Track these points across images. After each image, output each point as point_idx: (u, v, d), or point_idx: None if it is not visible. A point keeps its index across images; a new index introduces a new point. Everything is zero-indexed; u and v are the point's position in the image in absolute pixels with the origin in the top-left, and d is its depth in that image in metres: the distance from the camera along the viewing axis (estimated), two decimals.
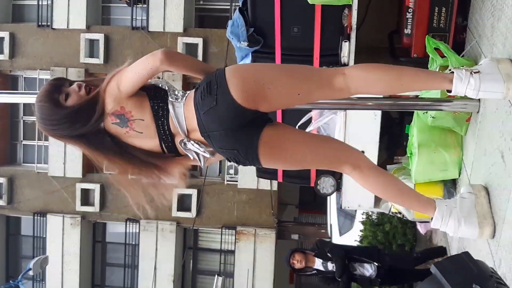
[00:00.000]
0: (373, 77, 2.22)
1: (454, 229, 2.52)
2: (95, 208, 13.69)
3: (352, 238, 9.73)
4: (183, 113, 2.28)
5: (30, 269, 9.11)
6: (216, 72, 2.26)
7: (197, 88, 2.29)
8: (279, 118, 4.69)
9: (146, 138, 2.32)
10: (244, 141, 2.23)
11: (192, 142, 2.29)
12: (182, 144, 2.31)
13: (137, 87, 2.30)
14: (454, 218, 2.51)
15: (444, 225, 2.51)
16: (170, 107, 2.29)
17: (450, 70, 2.34)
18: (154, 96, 2.32)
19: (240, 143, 2.23)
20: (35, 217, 14.07)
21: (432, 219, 2.55)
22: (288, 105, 2.43)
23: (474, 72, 2.25)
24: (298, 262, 4.61)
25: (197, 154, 2.31)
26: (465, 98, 3.39)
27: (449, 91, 2.28)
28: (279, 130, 2.32)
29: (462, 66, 2.36)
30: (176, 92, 2.33)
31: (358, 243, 9.42)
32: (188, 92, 2.36)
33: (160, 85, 2.38)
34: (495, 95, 2.29)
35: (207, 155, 2.31)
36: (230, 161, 2.35)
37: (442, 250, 5.10)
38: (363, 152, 4.48)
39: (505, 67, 2.33)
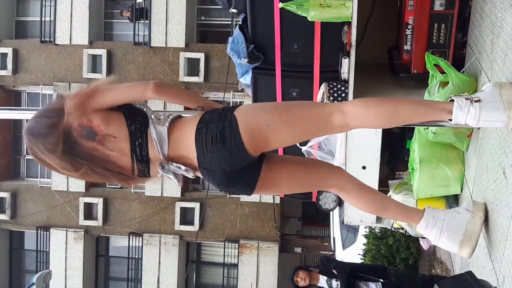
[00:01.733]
0: (371, 114, 2.24)
1: (434, 238, 2.56)
2: (98, 222, 13.69)
3: (355, 251, 9.68)
4: (167, 136, 2.26)
5: (33, 283, 9.10)
6: (228, 119, 2.23)
7: (201, 127, 2.25)
8: None
9: (117, 156, 2.25)
10: (245, 181, 2.34)
11: (172, 164, 2.26)
12: (160, 167, 2.27)
13: (110, 105, 2.29)
14: (437, 228, 2.55)
15: (427, 232, 2.57)
16: (151, 129, 2.26)
17: (450, 98, 2.28)
18: (130, 115, 2.29)
19: (240, 182, 2.34)
20: (39, 232, 14.07)
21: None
22: (288, 145, 2.53)
23: (475, 101, 2.22)
24: (302, 280, 4.55)
25: (175, 174, 2.29)
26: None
27: (451, 120, 2.27)
28: (272, 167, 2.39)
29: (463, 93, 2.30)
30: (158, 115, 2.32)
31: (362, 257, 9.38)
32: (171, 114, 2.34)
33: (137, 106, 2.35)
34: (496, 124, 2.25)
35: (189, 175, 2.28)
36: (220, 190, 2.43)
37: None
38: (364, 167, 4.51)
39: (508, 93, 2.28)
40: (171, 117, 2.32)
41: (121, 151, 2.24)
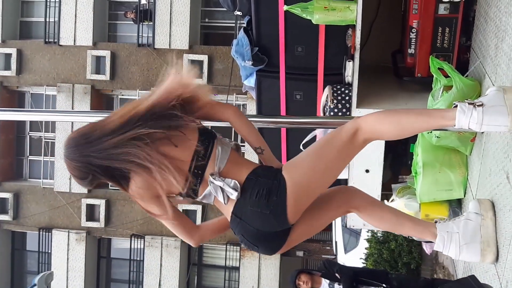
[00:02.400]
0: (385, 128, 2.30)
1: (455, 255, 2.55)
2: (100, 224, 13.70)
3: (357, 255, 9.67)
4: (228, 156, 2.27)
5: (35, 284, 9.07)
6: (277, 179, 2.23)
7: (251, 178, 2.25)
8: (283, 136, 4.69)
9: (180, 151, 2.21)
10: (270, 246, 2.35)
11: (222, 178, 2.23)
12: (211, 177, 2.24)
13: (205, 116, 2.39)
14: (455, 244, 2.53)
15: (446, 250, 2.55)
16: (217, 143, 2.28)
17: (454, 105, 2.28)
18: (201, 127, 2.32)
19: (265, 246, 2.34)
20: (41, 233, 14.09)
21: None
22: None
23: (478, 105, 2.22)
24: (304, 283, 4.55)
25: (222, 190, 2.25)
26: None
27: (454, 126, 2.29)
28: (294, 237, 2.38)
29: (466, 100, 2.28)
30: (222, 138, 2.35)
31: (363, 261, 9.36)
32: (233, 142, 2.37)
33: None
34: (499, 128, 2.25)
35: (233, 196, 2.24)
36: (240, 242, 2.42)
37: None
38: (367, 171, 4.49)
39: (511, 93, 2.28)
40: (232, 144, 2.35)
41: (185, 148, 2.22)
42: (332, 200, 2.49)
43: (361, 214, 2.53)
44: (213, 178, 2.23)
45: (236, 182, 2.22)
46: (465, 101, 2.27)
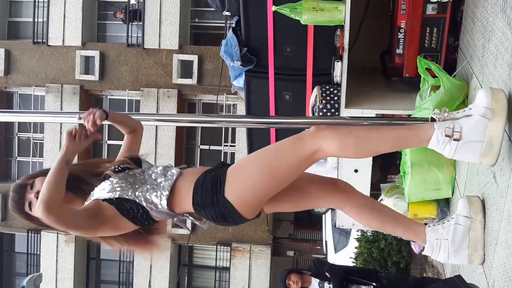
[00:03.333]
0: (351, 151, 2.23)
1: (444, 260, 2.58)
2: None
3: (347, 255, 9.70)
4: (169, 211, 2.29)
5: (23, 286, 9.02)
6: (222, 205, 2.24)
7: (198, 208, 2.28)
8: (272, 136, 4.70)
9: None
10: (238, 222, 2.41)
11: (186, 215, 2.35)
12: (175, 220, 2.38)
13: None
14: (444, 251, 2.56)
15: (435, 255, 2.58)
16: (152, 214, 2.30)
17: (431, 117, 2.27)
18: (124, 211, 2.28)
19: (234, 223, 2.41)
20: (29, 234, 13.99)
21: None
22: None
23: (454, 139, 2.18)
24: (294, 283, 4.55)
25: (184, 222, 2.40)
26: None
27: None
28: (276, 206, 2.47)
29: (446, 114, 2.24)
30: (148, 200, 2.29)
31: (353, 260, 9.39)
32: (162, 193, 2.30)
33: (126, 197, 2.29)
34: (469, 161, 2.33)
35: (204, 226, 2.41)
36: None
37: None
38: (356, 171, 4.51)
39: (495, 128, 2.18)
40: (164, 196, 2.29)
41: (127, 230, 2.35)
42: (323, 192, 2.49)
43: (351, 215, 2.54)
44: (177, 220, 2.39)
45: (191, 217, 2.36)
46: (447, 119, 2.22)
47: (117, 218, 2.25)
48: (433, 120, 2.28)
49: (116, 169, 2.37)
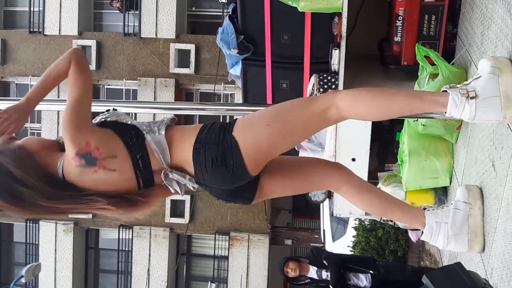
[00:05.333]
0: (363, 108, 2.19)
1: (443, 245, 2.52)
2: (87, 215, 13.63)
3: (345, 243, 9.72)
4: (166, 145, 2.19)
5: (22, 276, 9.05)
6: (227, 142, 2.16)
7: (198, 148, 2.18)
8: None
9: (119, 174, 2.15)
10: (244, 195, 2.34)
11: (175, 172, 2.20)
12: (163, 176, 2.20)
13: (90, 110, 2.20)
14: (443, 235, 2.51)
15: (433, 240, 2.52)
16: (148, 140, 2.18)
17: (443, 89, 2.18)
18: (122, 131, 2.19)
19: (239, 196, 2.34)
20: (28, 224, 13.99)
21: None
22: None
23: (471, 97, 2.11)
24: (292, 270, 4.55)
25: (178, 183, 2.23)
26: None
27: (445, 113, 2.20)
28: (268, 177, 2.36)
29: (458, 85, 2.16)
30: (149, 125, 2.23)
31: (351, 249, 9.41)
32: (163, 121, 2.25)
33: (123, 121, 2.24)
34: (490, 122, 2.21)
35: (191, 186, 2.23)
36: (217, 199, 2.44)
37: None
38: (353, 160, 4.50)
39: (507, 83, 2.16)
40: (164, 124, 2.23)
41: (123, 170, 2.14)
42: (317, 172, 2.44)
43: (349, 198, 2.48)
44: (165, 177, 2.19)
45: (190, 177, 2.20)
46: (457, 86, 2.16)
47: (111, 138, 2.15)
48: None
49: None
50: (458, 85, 2.18)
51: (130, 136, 2.17)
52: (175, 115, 2.38)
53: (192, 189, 2.26)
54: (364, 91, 2.19)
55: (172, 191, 2.27)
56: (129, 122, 2.24)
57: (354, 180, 2.47)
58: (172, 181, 2.21)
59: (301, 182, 2.45)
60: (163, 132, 2.20)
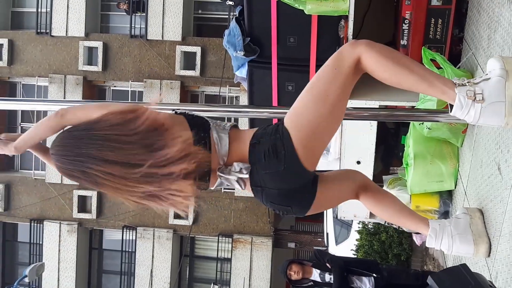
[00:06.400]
0: (381, 67, 2.14)
1: (448, 246, 2.51)
2: (92, 215, 13.66)
3: (348, 247, 9.71)
4: (227, 141, 2.18)
5: (26, 275, 9.07)
6: (279, 132, 2.14)
7: (254, 143, 2.17)
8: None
9: None
10: (300, 201, 2.26)
11: (229, 169, 2.17)
12: (220, 172, 2.16)
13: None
14: (447, 235, 2.51)
15: (438, 243, 2.52)
16: (213, 132, 2.18)
17: (454, 81, 2.14)
18: (192, 119, 2.22)
19: (295, 202, 2.25)
20: (32, 224, 14.03)
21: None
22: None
23: (477, 101, 2.10)
24: (295, 273, 4.55)
25: (228, 182, 2.19)
26: None
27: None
28: (324, 188, 2.32)
29: (467, 82, 2.14)
30: (217, 122, 2.25)
31: (354, 253, 9.40)
32: (229, 124, 2.28)
33: (195, 114, 2.29)
34: (493, 126, 2.22)
35: (245, 176, 2.17)
36: (274, 210, 2.35)
37: None
38: (358, 162, 4.50)
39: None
40: (229, 124, 2.26)
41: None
42: (348, 181, 2.45)
43: (368, 202, 2.48)
44: (221, 173, 2.15)
45: (242, 165, 2.14)
46: (466, 84, 2.13)
47: (180, 124, 2.15)
48: None
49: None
50: (467, 83, 2.15)
51: (197, 125, 2.18)
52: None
53: (247, 177, 2.18)
54: (388, 56, 2.14)
55: (234, 186, 2.21)
56: (202, 116, 2.27)
57: (368, 187, 2.48)
58: (227, 180, 2.17)
59: (341, 196, 2.45)
60: (228, 129, 2.21)
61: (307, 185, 2.24)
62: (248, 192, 2.32)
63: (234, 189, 12.82)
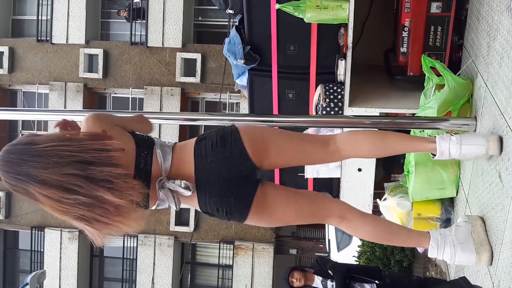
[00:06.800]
0: (360, 141, 2.44)
1: (450, 255, 2.51)
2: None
3: (350, 253, 9.68)
4: (171, 153, 2.27)
5: (27, 283, 9.05)
6: (228, 128, 2.33)
7: (200, 139, 2.32)
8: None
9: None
10: (242, 194, 2.29)
11: (172, 181, 2.21)
12: (158, 186, 2.21)
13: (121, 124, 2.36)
14: (449, 244, 2.52)
15: (440, 253, 2.52)
16: (156, 146, 2.28)
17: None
18: (137, 135, 2.32)
19: (238, 193, 2.28)
20: (33, 231, 14.03)
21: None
22: (286, 164, 2.53)
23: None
24: (297, 280, 4.53)
25: (167, 198, 2.22)
26: (462, 117, 3.40)
27: (434, 155, 2.47)
28: (268, 192, 2.36)
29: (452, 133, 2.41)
30: (162, 139, 2.40)
31: (356, 259, 9.38)
32: (173, 142, 2.39)
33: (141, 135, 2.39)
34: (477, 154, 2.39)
35: (186, 193, 2.21)
36: (212, 214, 2.35)
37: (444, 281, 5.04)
38: (359, 170, 4.49)
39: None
40: (174, 143, 2.38)
41: (126, 167, 2.14)
42: (319, 200, 2.47)
43: (350, 226, 2.49)
44: (161, 187, 2.20)
45: (186, 182, 2.20)
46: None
47: (125, 135, 2.26)
48: None
49: None
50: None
51: (142, 139, 2.30)
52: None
53: (186, 194, 2.22)
54: (361, 131, 2.60)
55: (166, 205, 2.27)
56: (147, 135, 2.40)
57: (355, 211, 2.51)
58: (167, 192, 2.21)
59: (302, 208, 2.42)
60: (171, 145, 2.33)
61: (252, 177, 2.32)
62: None
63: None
